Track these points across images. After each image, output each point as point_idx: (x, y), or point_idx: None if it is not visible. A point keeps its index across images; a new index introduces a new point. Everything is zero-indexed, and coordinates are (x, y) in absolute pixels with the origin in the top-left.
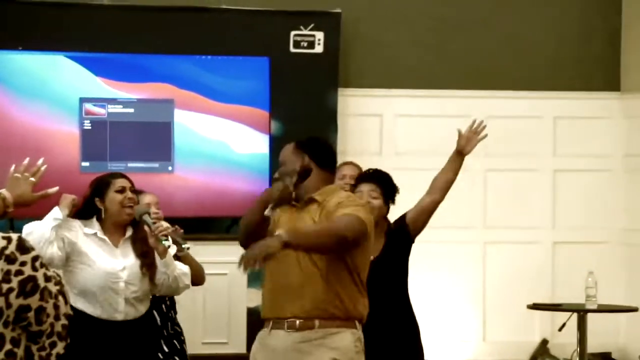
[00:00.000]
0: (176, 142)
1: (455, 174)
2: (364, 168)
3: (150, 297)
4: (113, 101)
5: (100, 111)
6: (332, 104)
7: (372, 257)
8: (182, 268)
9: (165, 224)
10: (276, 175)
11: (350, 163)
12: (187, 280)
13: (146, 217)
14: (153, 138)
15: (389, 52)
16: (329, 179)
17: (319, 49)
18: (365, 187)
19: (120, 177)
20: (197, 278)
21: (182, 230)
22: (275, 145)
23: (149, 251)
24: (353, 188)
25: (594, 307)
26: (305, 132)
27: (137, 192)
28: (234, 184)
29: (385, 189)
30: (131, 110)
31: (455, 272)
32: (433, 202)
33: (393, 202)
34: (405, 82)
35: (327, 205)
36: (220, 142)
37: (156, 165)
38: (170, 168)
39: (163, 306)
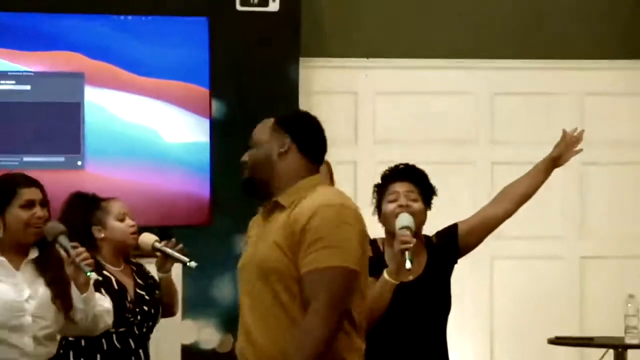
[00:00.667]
0: (87, 129)
1: (538, 187)
2: (337, 161)
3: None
4: (2, 75)
5: None
6: (293, 78)
7: (410, 278)
8: (104, 304)
9: (83, 252)
10: (244, 158)
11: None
12: (110, 320)
13: (62, 239)
14: (56, 124)
15: (366, 11)
16: (312, 170)
17: (274, 6)
18: (400, 187)
19: (28, 186)
20: (172, 308)
21: (180, 245)
22: (218, 132)
23: (63, 278)
24: (384, 187)
25: (636, 341)
26: (256, 115)
27: (97, 200)
28: (164, 183)
29: (424, 190)
30: (27, 87)
31: (454, 295)
32: (498, 215)
33: (429, 207)
34: (388, 49)
35: (293, 220)
36: (146, 129)
37: (61, 159)
38: (79, 163)
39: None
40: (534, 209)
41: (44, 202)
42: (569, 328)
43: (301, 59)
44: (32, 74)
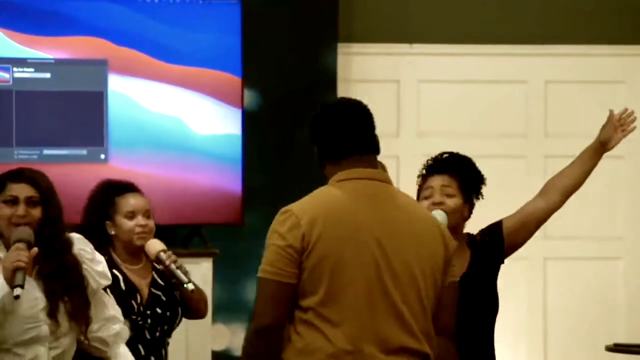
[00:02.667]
0: (111, 120)
1: (586, 176)
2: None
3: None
4: (21, 62)
5: (2, 76)
6: (330, 65)
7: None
8: (110, 311)
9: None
10: None
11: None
12: (125, 334)
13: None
14: (78, 114)
15: None
16: (341, 169)
17: None
18: (435, 182)
19: (16, 181)
20: (198, 312)
21: (181, 263)
22: (251, 124)
23: (80, 290)
24: (422, 181)
25: None
26: (291, 106)
27: (117, 192)
28: (192, 178)
29: (464, 182)
30: (47, 75)
31: (504, 298)
32: (545, 208)
33: (476, 198)
34: (432, 34)
35: None
36: (174, 120)
37: (83, 152)
38: (102, 156)
39: None
40: (592, 208)
41: (36, 201)
42: (630, 334)
43: (339, 45)
44: (52, 60)
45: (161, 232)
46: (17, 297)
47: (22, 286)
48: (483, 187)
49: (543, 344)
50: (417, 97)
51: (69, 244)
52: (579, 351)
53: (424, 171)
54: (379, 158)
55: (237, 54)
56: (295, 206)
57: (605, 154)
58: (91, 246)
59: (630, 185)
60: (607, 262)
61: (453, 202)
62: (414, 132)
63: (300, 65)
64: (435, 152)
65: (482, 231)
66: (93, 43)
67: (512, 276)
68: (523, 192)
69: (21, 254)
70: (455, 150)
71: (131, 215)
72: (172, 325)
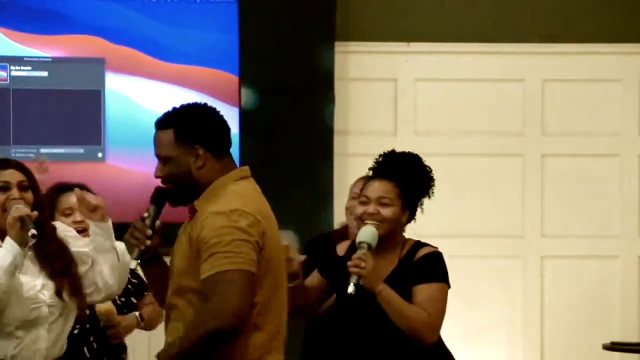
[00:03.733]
0: (108, 118)
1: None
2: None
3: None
4: (18, 60)
5: None
6: (327, 64)
7: (361, 282)
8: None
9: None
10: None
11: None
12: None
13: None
14: (76, 113)
15: None
16: (226, 167)
17: None
18: (372, 191)
19: (4, 168)
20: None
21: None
22: (248, 122)
23: (69, 269)
24: (364, 182)
25: None
26: (289, 104)
27: (58, 192)
28: None
29: (404, 188)
30: (44, 73)
31: (501, 297)
32: None
33: (422, 198)
34: (430, 32)
35: (195, 230)
36: None
37: (80, 150)
38: (100, 155)
39: (93, 343)
40: (590, 206)
41: (27, 186)
42: (626, 332)
43: (336, 44)
44: (49, 59)
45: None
46: (34, 235)
47: (33, 227)
48: (431, 187)
49: (540, 342)
50: (415, 95)
51: (54, 228)
52: (576, 349)
53: (370, 172)
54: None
55: (234, 53)
56: (239, 205)
57: (601, 153)
58: (67, 227)
59: (626, 184)
60: (604, 261)
61: (388, 211)
62: (411, 130)
63: (298, 64)
64: (432, 150)
65: (424, 259)
66: (90, 42)
67: (509, 275)
68: (520, 191)
69: (20, 207)
70: (451, 148)
71: (68, 212)
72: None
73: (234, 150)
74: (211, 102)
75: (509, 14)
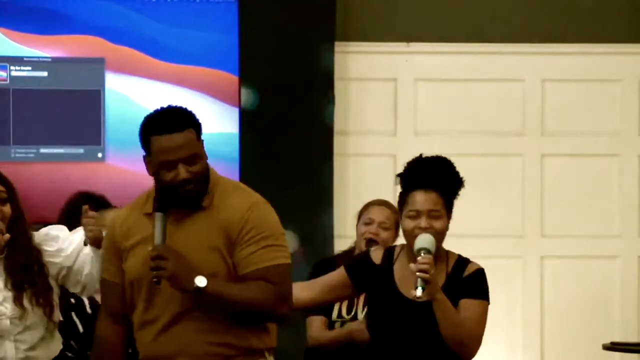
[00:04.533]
0: (108, 118)
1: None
2: (374, 154)
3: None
4: (18, 61)
5: None
6: (327, 64)
7: (413, 293)
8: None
9: None
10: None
11: (383, 204)
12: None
13: None
14: (75, 113)
15: None
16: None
17: None
18: (421, 204)
19: None
20: None
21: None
22: (248, 122)
23: (33, 279)
24: (405, 194)
25: None
26: (288, 104)
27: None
28: None
29: (449, 198)
30: (44, 73)
31: (501, 297)
32: None
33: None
34: (429, 33)
35: (222, 216)
36: None
37: (80, 151)
38: (100, 155)
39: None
40: (589, 206)
41: (5, 198)
42: (626, 332)
43: (336, 44)
44: (49, 59)
45: None
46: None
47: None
48: (462, 189)
49: (539, 343)
50: (414, 95)
51: (30, 237)
52: (576, 350)
53: (407, 181)
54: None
55: (234, 53)
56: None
57: (601, 153)
58: (55, 232)
59: (626, 184)
60: (604, 261)
61: (440, 224)
62: (411, 130)
63: (298, 64)
64: (432, 150)
65: (473, 276)
66: (90, 41)
67: (509, 275)
68: (519, 191)
69: None
70: (452, 149)
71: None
72: None
73: (234, 150)
74: (211, 102)
75: (509, 15)
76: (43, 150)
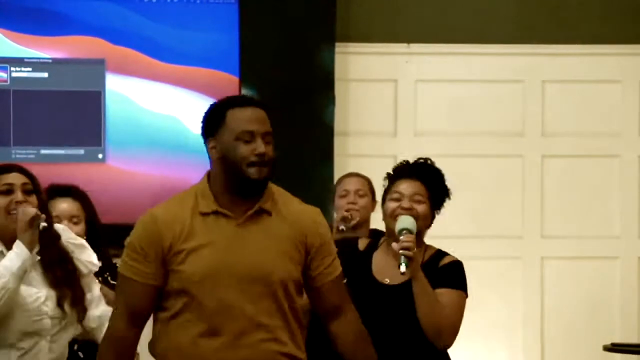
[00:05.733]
0: (109, 119)
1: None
2: (374, 155)
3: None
4: (19, 62)
5: (0, 76)
6: (328, 65)
7: (387, 281)
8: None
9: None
10: (271, 153)
11: (355, 175)
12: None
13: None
14: (76, 114)
15: None
16: None
17: None
18: (405, 188)
19: (7, 171)
20: None
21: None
22: None
23: (72, 277)
24: (390, 183)
25: None
26: (289, 105)
27: (54, 190)
28: (190, 177)
29: (434, 191)
30: (44, 74)
31: (501, 298)
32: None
33: (438, 210)
34: (430, 34)
35: (295, 225)
36: (172, 119)
37: (80, 152)
38: (100, 156)
39: None
40: (590, 207)
41: (31, 190)
42: (627, 333)
43: (337, 45)
44: (49, 60)
45: None
46: (44, 227)
47: (44, 221)
48: (447, 201)
49: (540, 344)
50: (415, 96)
51: (58, 235)
52: (576, 351)
53: (394, 172)
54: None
55: (234, 54)
56: None
57: (601, 154)
58: (74, 235)
59: (626, 184)
60: (604, 262)
61: (422, 208)
62: (411, 131)
63: (298, 65)
64: (432, 151)
65: (446, 268)
66: (91, 42)
67: (509, 276)
68: (520, 192)
69: (27, 210)
70: (452, 150)
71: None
72: None
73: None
74: (209, 102)
75: (509, 15)
76: (43, 151)
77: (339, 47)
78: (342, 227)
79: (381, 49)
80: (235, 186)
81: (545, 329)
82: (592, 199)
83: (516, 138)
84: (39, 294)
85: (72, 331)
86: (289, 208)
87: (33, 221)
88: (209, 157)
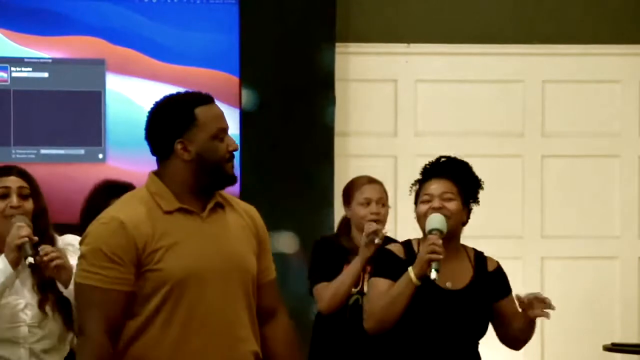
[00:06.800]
0: (109, 119)
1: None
2: (375, 154)
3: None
4: (19, 62)
5: (0, 76)
6: (328, 65)
7: (448, 285)
8: None
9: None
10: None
11: (374, 182)
12: None
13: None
14: (76, 114)
15: None
16: None
17: None
18: (434, 188)
19: (4, 175)
20: None
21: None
22: (248, 123)
23: (54, 282)
24: (420, 185)
25: None
26: (289, 105)
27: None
28: None
29: (464, 187)
30: (44, 74)
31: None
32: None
33: (474, 203)
34: (430, 34)
35: (246, 220)
36: None
37: (81, 152)
38: (100, 156)
39: None
40: (589, 207)
41: (28, 194)
42: (627, 333)
43: (336, 45)
44: (50, 60)
45: None
46: (31, 264)
47: (32, 255)
48: (480, 191)
49: (540, 343)
50: (415, 96)
51: (54, 239)
52: (577, 351)
53: (423, 174)
54: (378, 157)
55: (234, 54)
56: None
57: (601, 154)
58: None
59: (626, 184)
60: (604, 262)
61: (452, 205)
62: (411, 131)
63: (298, 65)
64: (432, 151)
65: (500, 270)
66: (91, 43)
67: (509, 276)
68: (519, 192)
69: (22, 229)
70: (452, 150)
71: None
72: None
73: (235, 151)
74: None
75: (508, 15)
76: (44, 151)
77: (339, 47)
78: (377, 240)
79: (381, 49)
80: (207, 185)
81: (545, 329)
82: (592, 199)
83: (516, 138)
84: (18, 301)
85: (55, 339)
86: (235, 202)
87: (21, 247)
88: (162, 158)
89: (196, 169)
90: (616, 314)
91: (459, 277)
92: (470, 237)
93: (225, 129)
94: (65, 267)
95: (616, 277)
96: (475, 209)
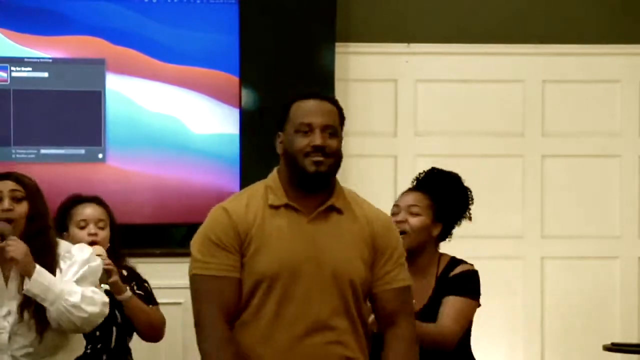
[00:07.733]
0: (109, 119)
1: None
2: (375, 154)
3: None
4: (19, 61)
5: (0, 75)
6: (328, 65)
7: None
8: (75, 295)
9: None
10: (333, 145)
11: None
12: (95, 308)
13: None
14: (76, 114)
15: None
16: None
17: None
18: (403, 200)
19: (2, 179)
20: (149, 330)
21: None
22: (248, 123)
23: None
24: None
25: None
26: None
27: (73, 204)
28: (190, 177)
29: (437, 200)
30: (45, 74)
31: (500, 299)
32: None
33: (458, 217)
34: (430, 33)
35: (363, 227)
36: (172, 119)
37: (81, 152)
38: (100, 156)
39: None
40: (589, 207)
41: (22, 197)
42: (627, 333)
43: (337, 45)
44: (50, 60)
45: (159, 231)
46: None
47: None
48: (469, 207)
49: (540, 344)
50: (415, 96)
51: (53, 244)
52: (576, 351)
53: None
54: (378, 157)
55: (235, 54)
56: None
57: (601, 154)
58: (85, 252)
59: (626, 184)
60: (604, 262)
61: (417, 220)
62: (411, 131)
63: (298, 65)
64: (432, 151)
65: (459, 277)
66: (91, 42)
67: (509, 276)
68: (520, 192)
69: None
70: (452, 150)
71: (83, 224)
72: (108, 345)
73: (234, 151)
74: (212, 103)
75: (508, 15)
76: (44, 151)
77: (339, 47)
78: None
79: (381, 49)
80: (297, 180)
81: (545, 329)
82: (592, 199)
83: (516, 138)
84: (1, 308)
85: (36, 345)
86: (362, 209)
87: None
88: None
89: (285, 163)
90: (616, 314)
91: (419, 296)
92: (470, 237)
93: (310, 124)
94: (18, 261)
95: (616, 277)
96: (475, 209)
